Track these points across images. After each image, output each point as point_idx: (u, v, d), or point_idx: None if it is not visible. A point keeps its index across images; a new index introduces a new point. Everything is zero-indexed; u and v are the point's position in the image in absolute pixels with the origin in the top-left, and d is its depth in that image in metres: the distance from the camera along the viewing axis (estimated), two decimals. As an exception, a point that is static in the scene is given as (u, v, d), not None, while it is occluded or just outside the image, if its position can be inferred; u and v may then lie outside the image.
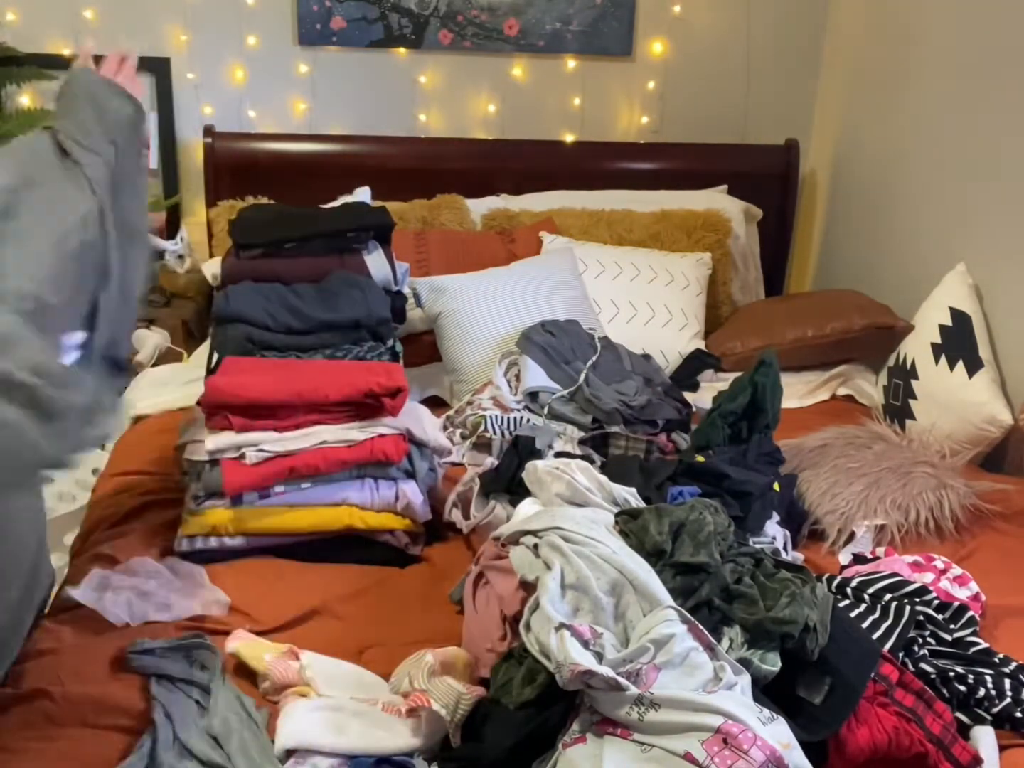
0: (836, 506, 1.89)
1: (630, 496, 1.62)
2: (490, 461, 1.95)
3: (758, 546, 1.58)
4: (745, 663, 1.22)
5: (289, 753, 1.21)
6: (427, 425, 1.87)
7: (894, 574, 1.61)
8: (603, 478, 1.63)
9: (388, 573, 1.72)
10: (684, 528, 1.41)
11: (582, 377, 2.24)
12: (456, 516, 1.82)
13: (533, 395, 2.21)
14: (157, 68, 3.11)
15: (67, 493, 2.46)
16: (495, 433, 2.06)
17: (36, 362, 1.04)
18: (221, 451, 1.69)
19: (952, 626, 1.51)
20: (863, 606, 1.52)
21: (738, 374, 2.15)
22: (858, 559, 1.77)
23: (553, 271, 2.64)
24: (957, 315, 2.37)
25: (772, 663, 1.24)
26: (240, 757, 1.19)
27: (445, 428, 2.14)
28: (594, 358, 2.33)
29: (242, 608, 1.55)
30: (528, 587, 1.34)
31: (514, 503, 1.67)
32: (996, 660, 1.44)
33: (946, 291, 2.45)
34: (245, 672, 1.40)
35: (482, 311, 2.47)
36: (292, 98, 3.21)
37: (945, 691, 1.36)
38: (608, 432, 2.07)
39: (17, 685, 1.34)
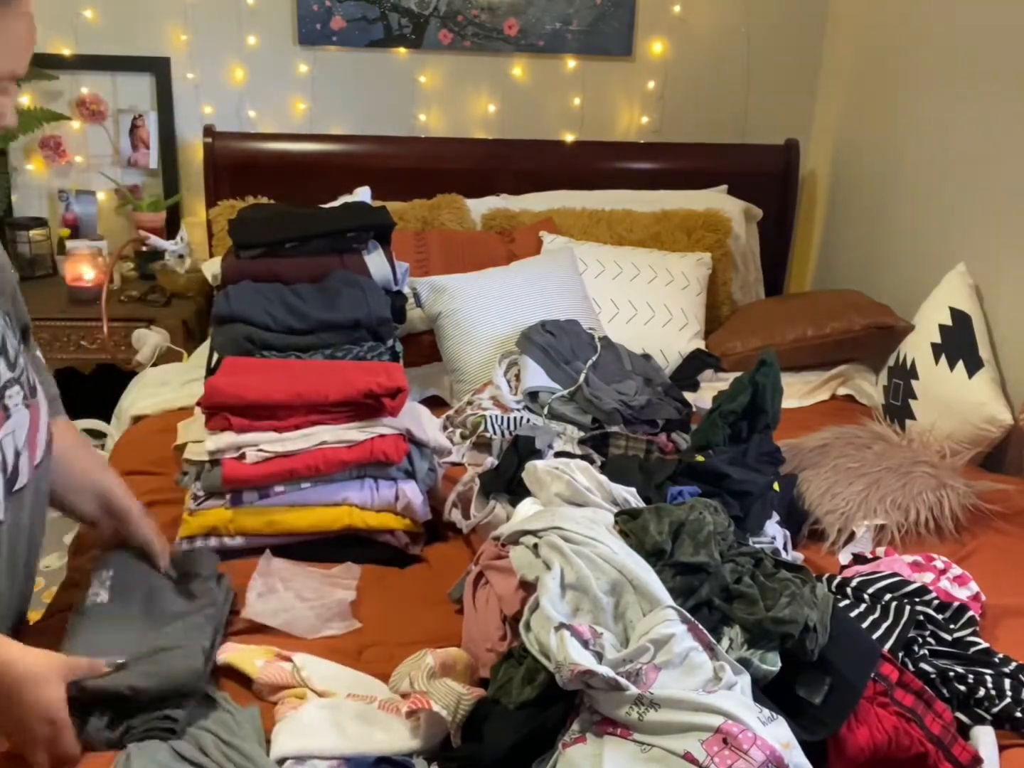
0: (836, 506, 1.89)
1: (630, 496, 1.62)
2: (490, 461, 1.95)
3: (758, 546, 1.57)
4: (745, 663, 1.22)
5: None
6: (427, 425, 1.87)
7: (894, 574, 1.61)
8: (603, 478, 1.62)
9: (388, 573, 1.71)
10: (684, 528, 1.41)
11: (582, 377, 2.24)
12: (456, 516, 1.82)
13: (533, 395, 2.21)
14: (157, 68, 3.11)
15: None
16: (495, 433, 2.06)
17: None
18: (221, 451, 1.69)
19: (952, 626, 1.51)
20: (863, 606, 1.52)
21: (738, 374, 2.14)
22: (858, 559, 1.77)
23: (553, 271, 2.64)
24: (957, 315, 2.37)
25: (772, 663, 1.24)
26: (225, 760, 1.18)
27: (445, 428, 2.14)
28: (594, 358, 2.33)
29: (242, 607, 1.55)
30: (528, 587, 1.34)
31: (514, 503, 1.66)
32: (996, 660, 1.44)
33: (946, 291, 2.45)
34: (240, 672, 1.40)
35: (482, 311, 2.47)
36: (292, 98, 3.21)
37: (945, 691, 1.36)
38: (608, 432, 2.07)
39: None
